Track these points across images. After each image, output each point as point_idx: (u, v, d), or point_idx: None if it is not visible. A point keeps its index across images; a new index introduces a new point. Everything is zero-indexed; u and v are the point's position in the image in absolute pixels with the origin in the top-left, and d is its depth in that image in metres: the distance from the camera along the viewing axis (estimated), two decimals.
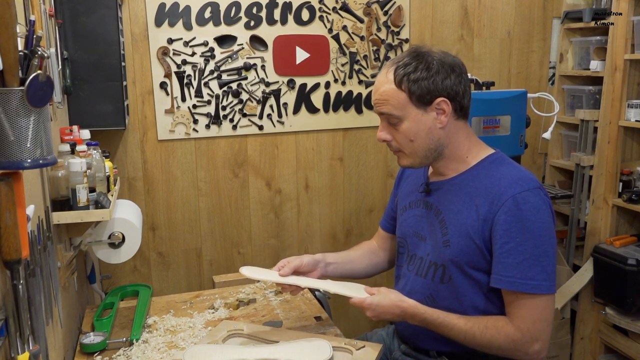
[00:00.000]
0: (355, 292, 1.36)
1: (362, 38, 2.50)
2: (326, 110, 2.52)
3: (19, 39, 0.84)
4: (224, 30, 2.33)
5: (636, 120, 2.32)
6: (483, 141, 1.42)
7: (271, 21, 2.38)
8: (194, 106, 2.34)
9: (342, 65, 2.50)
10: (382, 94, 1.32)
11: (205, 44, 2.31)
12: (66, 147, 1.46)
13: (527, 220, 1.24)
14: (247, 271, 1.45)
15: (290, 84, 2.44)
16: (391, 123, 1.33)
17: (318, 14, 2.43)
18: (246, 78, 2.38)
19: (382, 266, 1.66)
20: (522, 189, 1.26)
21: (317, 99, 2.49)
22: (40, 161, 0.87)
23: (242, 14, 2.33)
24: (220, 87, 2.35)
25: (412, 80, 1.29)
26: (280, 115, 2.45)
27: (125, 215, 1.69)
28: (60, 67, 1.66)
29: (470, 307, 1.33)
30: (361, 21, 2.49)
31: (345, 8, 2.46)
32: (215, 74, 2.34)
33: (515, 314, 1.26)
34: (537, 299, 1.24)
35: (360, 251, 1.66)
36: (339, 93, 2.52)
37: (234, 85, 2.37)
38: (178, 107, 2.32)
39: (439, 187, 1.40)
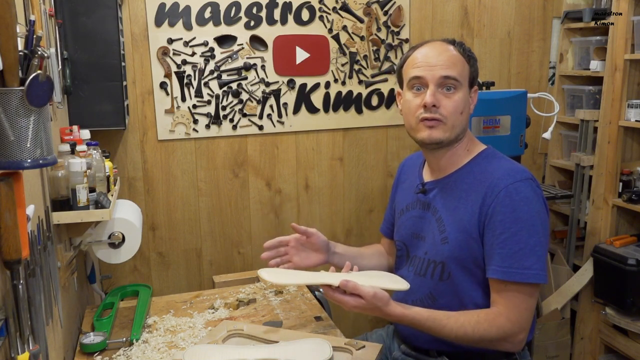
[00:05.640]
0: (393, 283, 1.34)
1: (362, 38, 2.50)
2: (326, 110, 2.52)
3: (19, 39, 0.84)
4: (224, 30, 2.32)
5: (636, 120, 2.32)
6: (483, 141, 1.45)
7: (271, 21, 2.38)
8: (194, 106, 2.34)
9: (342, 65, 2.50)
10: (450, 58, 1.33)
11: (205, 44, 2.31)
12: (66, 147, 1.46)
13: (520, 210, 1.25)
14: (266, 275, 1.37)
15: (290, 84, 2.44)
16: (446, 89, 1.32)
17: (318, 14, 2.43)
18: (246, 78, 2.38)
19: (388, 268, 1.66)
20: (515, 180, 1.28)
21: (317, 99, 2.49)
22: (40, 161, 0.87)
23: (242, 14, 2.33)
24: (220, 87, 2.35)
25: (474, 58, 1.37)
26: (280, 115, 2.45)
27: (125, 215, 1.69)
28: (60, 67, 1.66)
29: (470, 303, 1.33)
30: (361, 21, 2.49)
31: (345, 8, 2.46)
32: (215, 74, 2.34)
33: (504, 303, 1.26)
34: (527, 288, 1.25)
35: (372, 250, 1.69)
36: (339, 93, 2.52)
37: (234, 85, 2.37)
38: (178, 107, 2.32)
39: (434, 186, 1.41)
